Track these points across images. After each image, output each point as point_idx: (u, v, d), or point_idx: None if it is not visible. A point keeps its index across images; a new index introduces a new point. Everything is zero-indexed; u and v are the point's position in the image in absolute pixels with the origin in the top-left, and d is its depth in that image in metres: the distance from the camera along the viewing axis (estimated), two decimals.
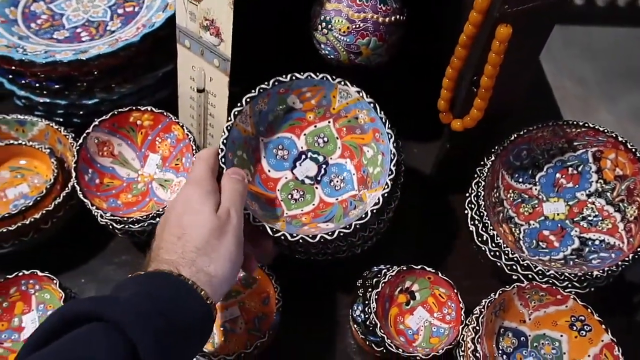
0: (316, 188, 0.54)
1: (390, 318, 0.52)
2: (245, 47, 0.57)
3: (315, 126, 0.55)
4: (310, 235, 0.45)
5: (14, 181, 0.63)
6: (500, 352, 0.50)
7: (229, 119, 0.49)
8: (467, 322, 0.49)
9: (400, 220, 0.58)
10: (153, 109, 0.60)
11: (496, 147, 0.59)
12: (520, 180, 0.62)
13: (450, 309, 0.52)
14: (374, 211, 0.46)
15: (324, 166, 0.54)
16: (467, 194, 0.60)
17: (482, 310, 0.47)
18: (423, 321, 0.52)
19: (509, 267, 0.54)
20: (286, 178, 0.54)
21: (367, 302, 0.51)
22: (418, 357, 0.47)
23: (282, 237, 0.45)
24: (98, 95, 0.65)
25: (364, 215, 0.46)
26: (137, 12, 0.69)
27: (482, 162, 0.60)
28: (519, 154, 0.61)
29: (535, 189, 0.62)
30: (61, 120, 0.67)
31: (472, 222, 0.58)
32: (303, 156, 0.54)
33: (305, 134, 0.55)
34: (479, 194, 0.57)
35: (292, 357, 0.56)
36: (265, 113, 0.53)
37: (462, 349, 0.48)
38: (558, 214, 0.61)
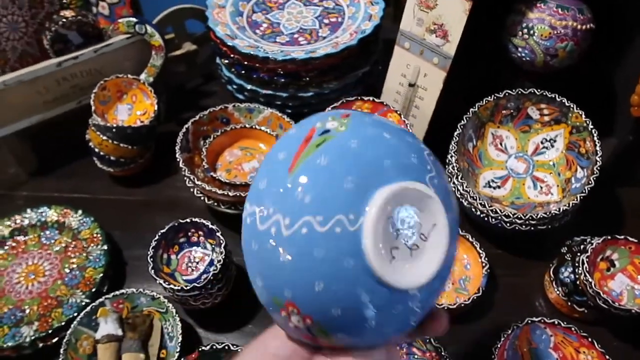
0: None
1: (595, 281, 0.60)
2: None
3: None
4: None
5: (245, 158, 0.76)
6: None
7: None
8: None
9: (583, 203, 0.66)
10: (374, 99, 0.71)
11: None
12: None
13: None
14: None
15: None
16: None
17: None
18: (625, 285, 0.59)
19: None
20: None
21: (577, 264, 0.59)
22: (633, 310, 0.55)
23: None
24: (311, 89, 0.78)
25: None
26: (341, 22, 0.82)
27: None
28: None
29: None
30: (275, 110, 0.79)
31: None
32: None
33: None
34: None
35: (495, 310, 0.64)
36: None
37: None
38: None
